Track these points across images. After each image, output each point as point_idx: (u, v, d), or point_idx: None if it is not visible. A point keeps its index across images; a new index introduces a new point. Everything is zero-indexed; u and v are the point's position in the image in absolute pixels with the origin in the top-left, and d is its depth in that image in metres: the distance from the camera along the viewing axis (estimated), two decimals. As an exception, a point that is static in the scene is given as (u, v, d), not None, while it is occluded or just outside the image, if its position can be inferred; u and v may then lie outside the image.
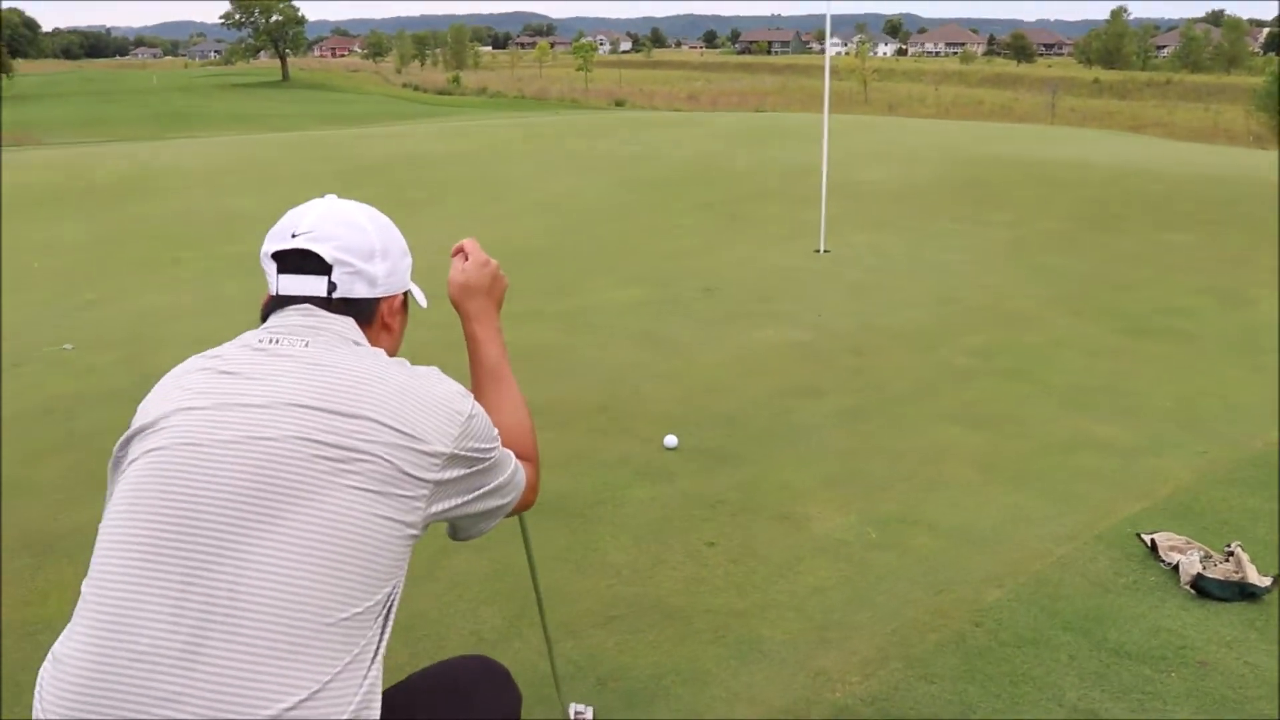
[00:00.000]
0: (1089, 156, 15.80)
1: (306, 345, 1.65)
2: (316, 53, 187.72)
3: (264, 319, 1.74)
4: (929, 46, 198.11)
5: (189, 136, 29.66)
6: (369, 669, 1.56)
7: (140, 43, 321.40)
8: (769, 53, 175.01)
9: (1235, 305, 7.32)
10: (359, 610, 1.52)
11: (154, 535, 1.50)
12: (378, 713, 1.57)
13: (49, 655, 1.50)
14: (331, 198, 1.81)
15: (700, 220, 10.55)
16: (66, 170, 15.74)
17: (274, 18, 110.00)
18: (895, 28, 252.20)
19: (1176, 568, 3.53)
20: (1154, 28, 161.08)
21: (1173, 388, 5.52)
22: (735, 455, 4.49)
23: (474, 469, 1.72)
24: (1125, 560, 3.62)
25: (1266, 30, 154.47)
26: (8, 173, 15.44)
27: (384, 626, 1.62)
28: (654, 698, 2.81)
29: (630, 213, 11.04)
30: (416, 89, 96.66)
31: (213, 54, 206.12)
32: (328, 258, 1.70)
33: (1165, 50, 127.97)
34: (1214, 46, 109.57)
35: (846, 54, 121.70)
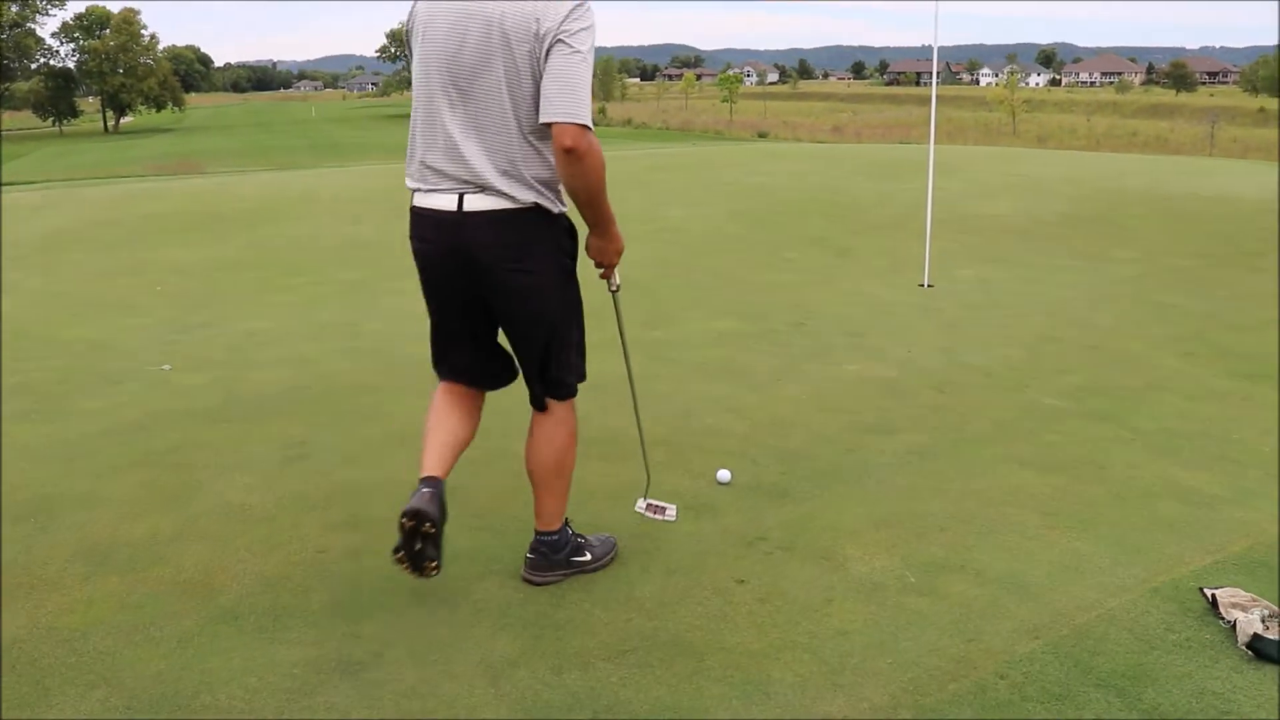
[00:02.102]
0: (1235, 190, 15.15)
1: None
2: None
3: None
4: (1084, 76, 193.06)
5: (338, 166, 30.71)
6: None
7: (303, 76, 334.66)
8: (917, 84, 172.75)
9: (1364, 349, 6.92)
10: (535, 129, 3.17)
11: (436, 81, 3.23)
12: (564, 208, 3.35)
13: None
14: None
15: (807, 253, 10.45)
16: (210, 197, 16.45)
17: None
18: (1049, 58, 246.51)
19: (1234, 626, 3.35)
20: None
21: (1276, 436, 5.24)
22: (788, 492, 4.42)
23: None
24: (1180, 616, 3.44)
25: None
26: (165, 201, 16.22)
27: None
28: (644, 735, 2.78)
29: (739, 244, 11.01)
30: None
31: (370, 86, 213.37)
32: None
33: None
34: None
35: (996, 85, 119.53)
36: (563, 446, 3.56)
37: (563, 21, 3.05)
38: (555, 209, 3.29)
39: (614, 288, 3.71)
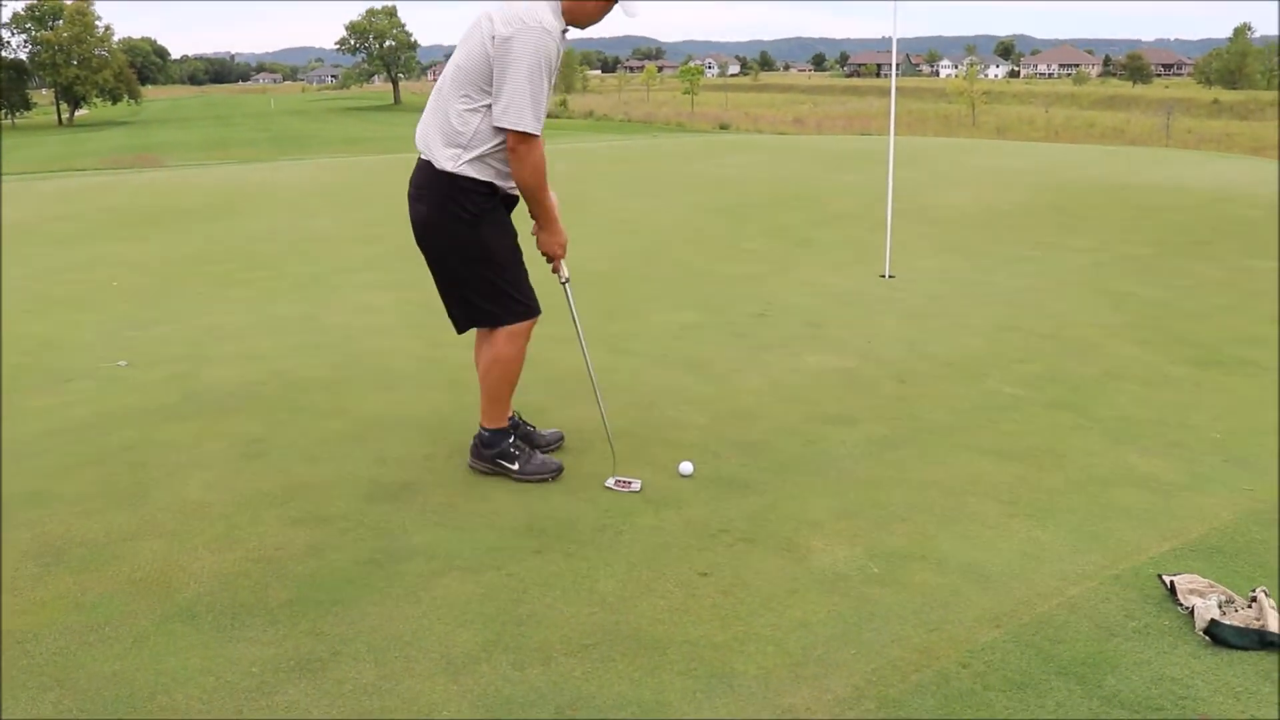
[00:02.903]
0: (1188, 180, 15.31)
1: None
2: (430, 76, 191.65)
3: None
4: (1042, 68, 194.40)
5: (297, 159, 30.42)
6: (476, 141, 3.99)
7: (262, 68, 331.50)
8: (877, 75, 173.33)
9: (1315, 336, 7.00)
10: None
11: None
12: (473, 173, 4.03)
13: None
14: None
15: (770, 244, 10.46)
16: (167, 191, 16.25)
17: (387, 43, 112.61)
18: (1007, 49, 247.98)
19: (1193, 612, 3.38)
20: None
21: (1230, 421, 5.30)
22: (750, 484, 4.41)
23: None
24: (1140, 603, 3.47)
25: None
26: (121, 194, 16.00)
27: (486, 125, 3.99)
28: (607, 729, 2.76)
29: (702, 236, 11.00)
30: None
31: (329, 79, 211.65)
32: None
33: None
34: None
35: (956, 76, 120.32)
36: (489, 359, 4.30)
37: (501, 44, 3.86)
38: (445, 166, 4.02)
39: (563, 280, 4.38)
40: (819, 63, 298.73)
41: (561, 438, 4.83)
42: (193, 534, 3.94)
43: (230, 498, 4.27)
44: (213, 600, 3.45)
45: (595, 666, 3.06)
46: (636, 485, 4.36)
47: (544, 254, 4.31)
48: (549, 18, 3.89)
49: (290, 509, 4.15)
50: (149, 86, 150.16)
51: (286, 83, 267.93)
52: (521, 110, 3.86)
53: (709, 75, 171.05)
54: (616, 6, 4.08)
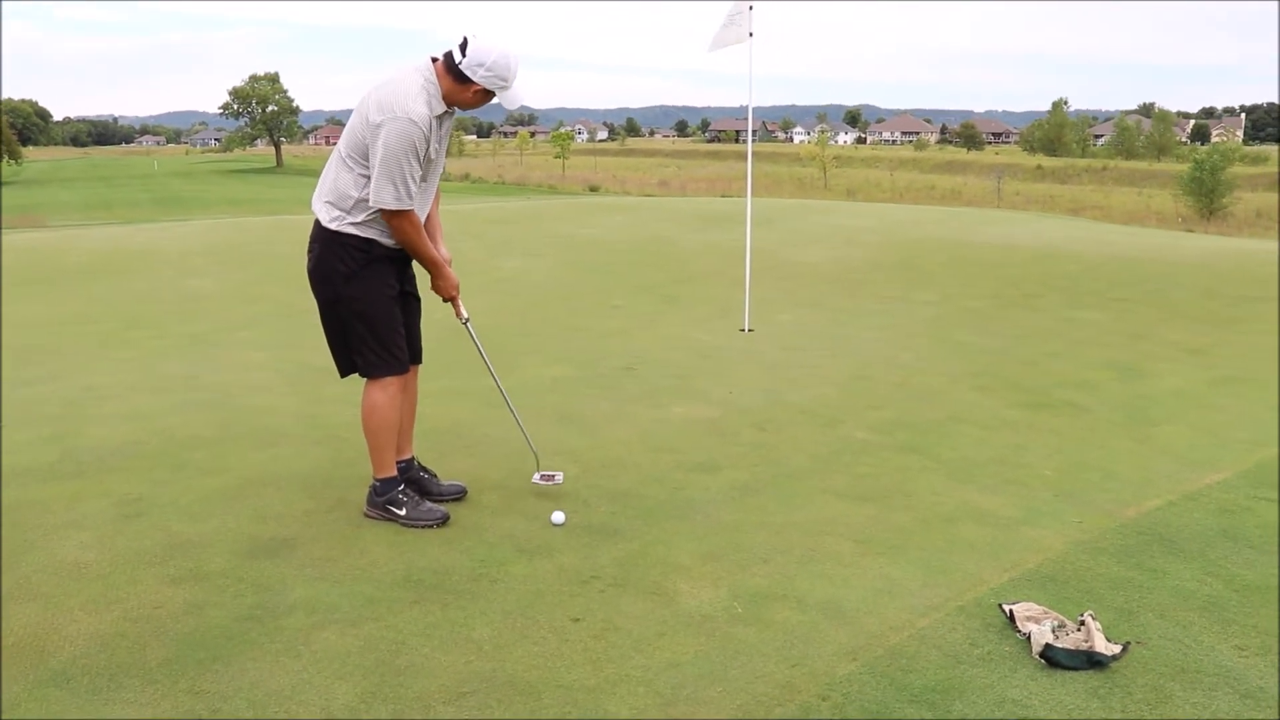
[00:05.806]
0: (1017, 238, 15.93)
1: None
2: (312, 141, 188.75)
3: None
4: (886, 135, 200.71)
5: (182, 220, 29.56)
6: (357, 208, 4.18)
7: (145, 131, 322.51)
8: (736, 140, 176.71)
9: (1132, 379, 7.33)
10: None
11: None
12: (353, 231, 4.21)
13: None
14: (500, 35, 4.08)
15: (637, 301, 10.52)
16: (50, 251, 15.60)
17: (270, 108, 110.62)
18: (855, 117, 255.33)
19: (1030, 637, 3.46)
20: (1091, 119, 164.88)
21: (1059, 459, 5.49)
22: (620, 530, 4.39)
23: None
24: (983, 631, 3.55)
25: (1192, 122, 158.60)
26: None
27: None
28: (484, 777, 2.69)
29: (572, 293, 11.01)
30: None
31: (213, 142, 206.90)
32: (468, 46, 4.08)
33: (1102, 139, 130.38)
34: (1145, 136, 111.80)
35: (808, 142, 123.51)
36: (365, 412, 4.40)
37: (372, 130, 4.06)
38: (330, 225, 4.23)
39: (463, 320, 4.65)
40: (682, 129, 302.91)
41: (463, 491, 4.74)
42: (69, 595, 3.74)
43: (108, 558, 4.07)
44: (88, 663, 3.28)
45: (473, 714, 2.99)
46: (559, 478, 4.67)
47: (441, 297, 4.52)
48: (418, 107, 4.05)
49: (170, 567, 3.98)
50: (31, 148, 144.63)
51: (170, 145, 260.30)
52: (383, 190, 4.06)
53: (579, 140, 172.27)
54: (496, 97, 4.23)
